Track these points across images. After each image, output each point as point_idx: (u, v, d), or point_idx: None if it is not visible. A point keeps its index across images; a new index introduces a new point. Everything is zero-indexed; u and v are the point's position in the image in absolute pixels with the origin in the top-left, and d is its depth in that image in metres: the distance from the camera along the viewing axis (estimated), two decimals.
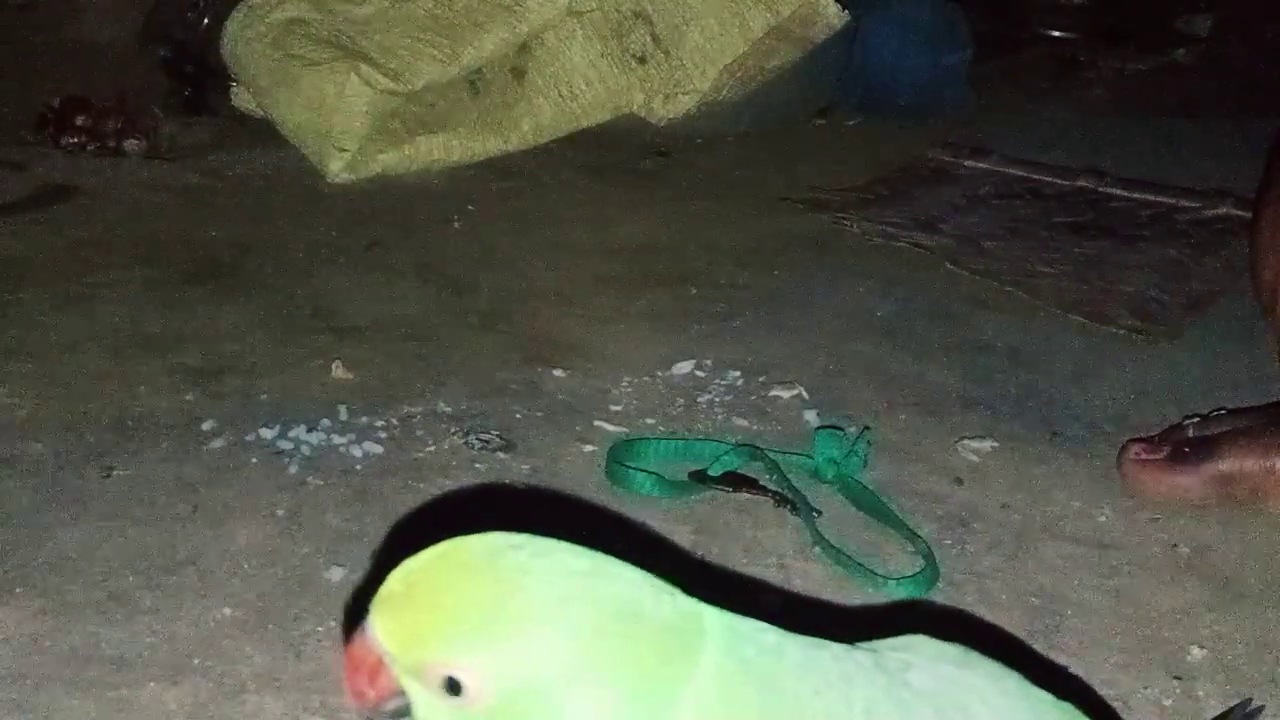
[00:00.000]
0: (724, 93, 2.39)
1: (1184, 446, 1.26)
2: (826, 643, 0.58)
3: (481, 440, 1.32)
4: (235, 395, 1.40)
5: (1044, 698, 0.60)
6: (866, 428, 1.34)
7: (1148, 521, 1.24)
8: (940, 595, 1.11)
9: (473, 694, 0.52)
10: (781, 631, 0.57)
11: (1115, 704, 1.00)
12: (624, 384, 1.45)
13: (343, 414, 1.36)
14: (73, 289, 1.64)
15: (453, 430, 1.34)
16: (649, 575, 0.55)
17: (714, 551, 1.16)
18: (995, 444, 1.36)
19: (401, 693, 0.55)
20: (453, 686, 0.53)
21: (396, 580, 0.55)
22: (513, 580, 0.53)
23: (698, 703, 0.53)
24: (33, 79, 2.31)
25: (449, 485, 1.25)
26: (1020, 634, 1.07)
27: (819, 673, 0.55)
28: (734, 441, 1.31)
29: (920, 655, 0.59)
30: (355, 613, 0.58)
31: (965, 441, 1.36)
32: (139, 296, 1.63)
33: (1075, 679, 1.02)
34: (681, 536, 1.18)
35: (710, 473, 1.25)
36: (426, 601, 0.54)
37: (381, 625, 0.54)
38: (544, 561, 0.54)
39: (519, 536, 0.55)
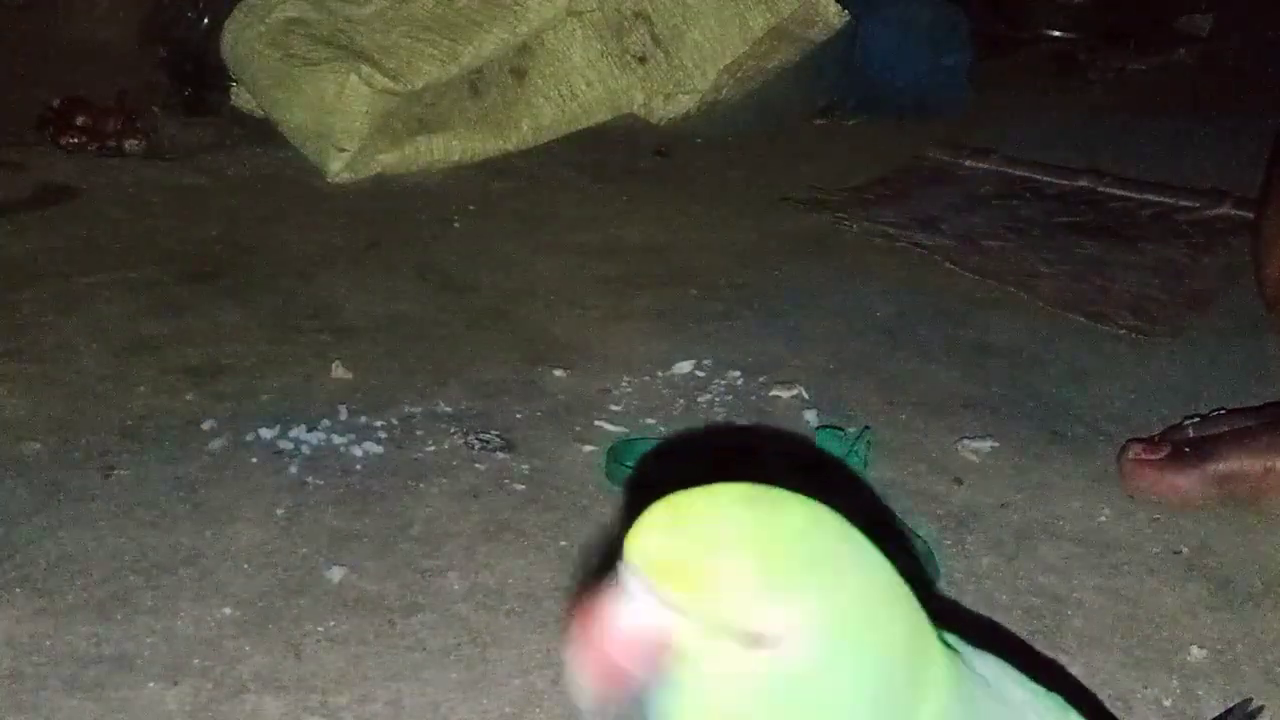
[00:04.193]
0: (724, 93, 2.39)
1: (1184, 446, 1.26)
2: (958, 647, 0.58)
3: (481, 440, 1.32)
4: (235, 395, 1.40)
5: (1038, 689, 0.61)
6: (866, 428, 1.34)
7: (1148, 521, 1.24)
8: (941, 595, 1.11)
9: (781, 645, 0.48)
10: (954, 650, 0.56)
11: (1115, 704, 1.00)
12: (624, 384, 1.45)
13: (343, 414, 1.36)
14: (73, 289, 1.64)
15: (453, 430, 1.34)
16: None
17: None
18: (995, 444, 1.36)
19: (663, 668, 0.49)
20: (758, 639, 0.48)
21: (669, 533, 0.50)
22: (812, 540, 0.51)
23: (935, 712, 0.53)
24: (33, 79, 2.31)
25: (449, 485, 1.25)
26: (1020, 634, 1.07)
27: (983, 703, 0.56)
28: None
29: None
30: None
31: (965, 441, 1.36)
32: (139, 296, 1.63)
33: (1070, 677, 1.02)
34: None
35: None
36: (729, 551, 0.49)
37: (670, 578, 0.49)
38: (851, 535, 0.52)
39: (780, 491, 0.52)
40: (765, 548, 0.49)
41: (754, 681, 0.49)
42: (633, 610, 0.49)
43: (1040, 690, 0.60)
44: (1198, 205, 2.05)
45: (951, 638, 0.59)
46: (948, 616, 0.58)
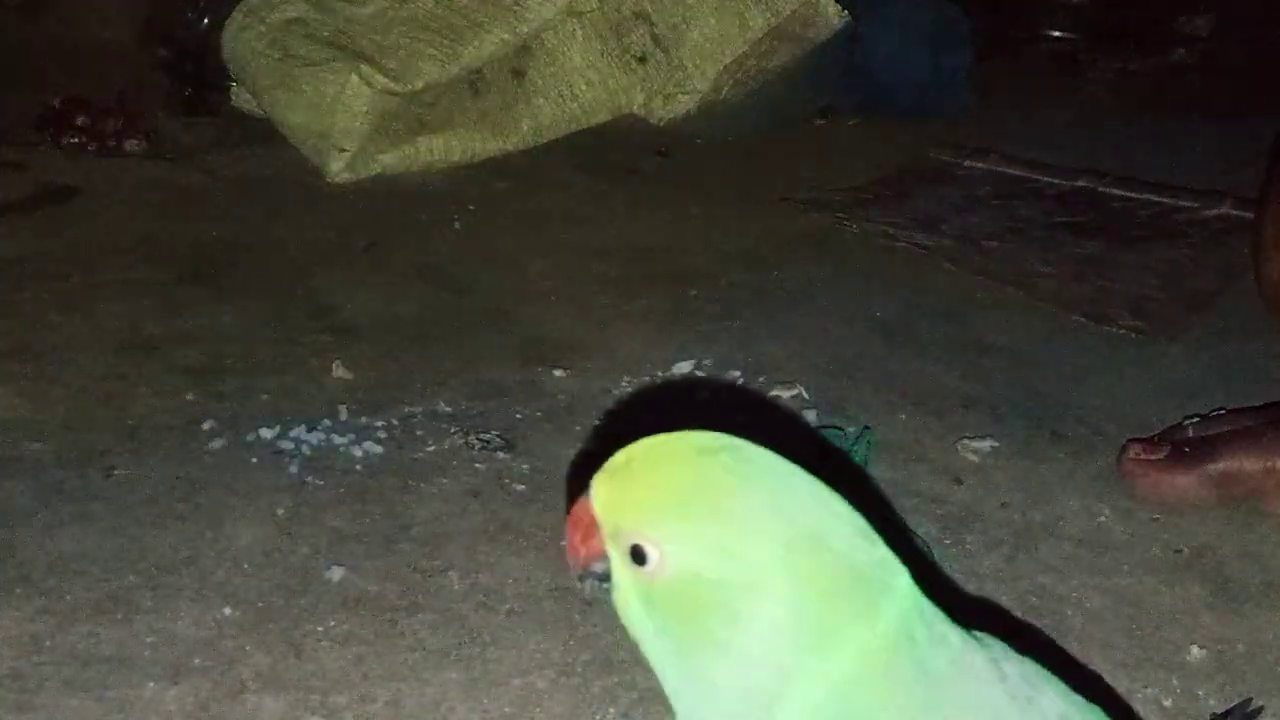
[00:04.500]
0: (724, 93, 2.39)
1: (1184, 446, 1.26)
2: (988, 644, 0.58)
3: (481, 440, 1.32)
4: (235, 395, 1.40)
5: (1079, 701, 0.60)
6: (866, 428, 1.34)
7: (1148, 521, 1.24)
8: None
9: (652, 566, 0.55)
10: (958, 627, 0.57)
11: None
12: (624, 384, 1.45)
13: (343, 414, 1.36)
14: (73, 289, 1.64)
15: (453, 430, 1.34)
16: (858, 516, 0.56)
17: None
18: (995, 444, 1.36)
19: (606, 556, 0.58)
20: (637, 555, 0.56)
21: (620, 456, 0.59)
22: (720, 477, 0.56)
23: (863, 659, 0.54)
24: (33, 79, 2.31)
25: (449, 485, 1.25)
26: (1021, 635, 1.07)
27: (978, 680, 0.56)
28: None
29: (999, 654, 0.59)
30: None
31: (965, 441, 1.36)
32: (139, 296, 1.63)
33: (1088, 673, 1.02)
34: None
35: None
36: (637, 477, 0.57)
37: (597, 492, 0.58)
38: (756, 467, 0.57)
39: (741, 441, 0.57)
40: (679, 482, 0.56)
41: (637, 591, 0.56)
42: (581, 506, 0.59)
43: (1081, 703, 0.60)
44: (1197, 205, 2.05)
45: (985, 636, 0.58)
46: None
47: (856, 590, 0.54)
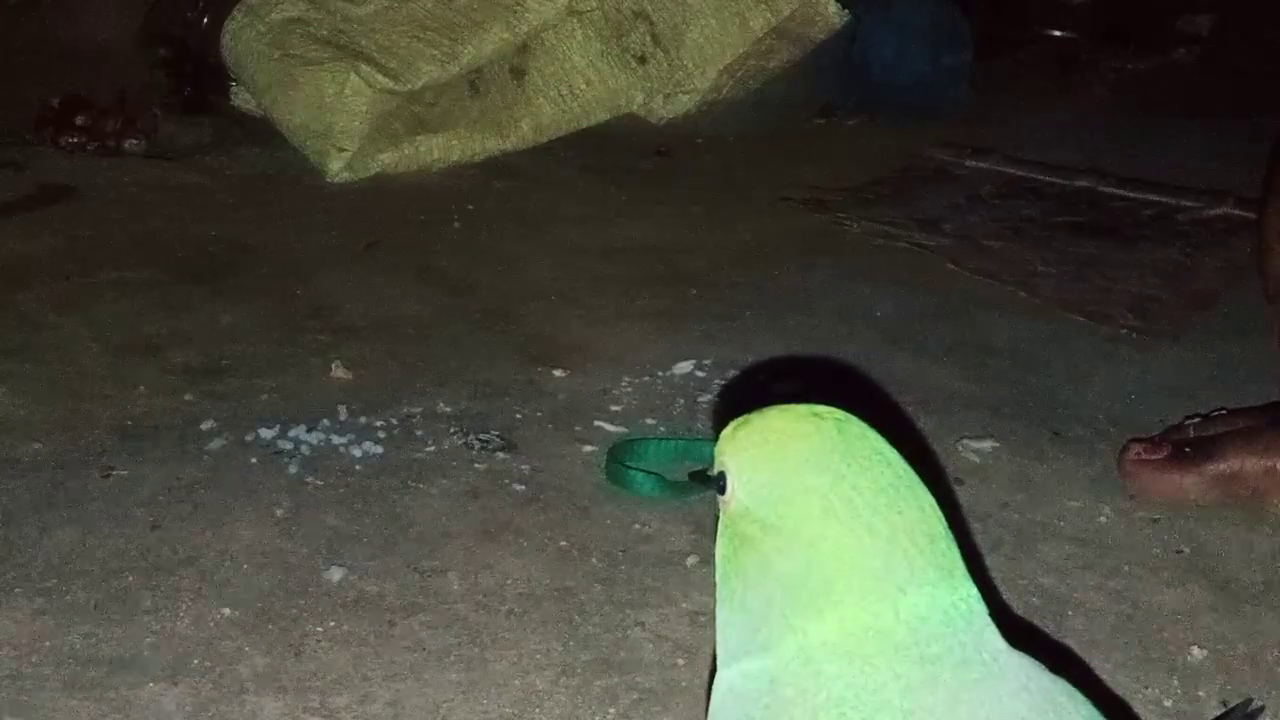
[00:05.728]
0: (724, 92, 2.39)
1: (1184, 446, 1.26)
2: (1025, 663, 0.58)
3: (481, 440, 1.32)
4: (235, 395, 1.40)
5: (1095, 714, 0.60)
6: None
7: (1148, 521, 1.24)
8: None
9: (727, 495, 0.59)
10: (1009, 648, 0.58)
11: None
12: (624, 384, 1.45)
13: (342, 414, 1.36)
14: (73, 289, 1.64)
15: (453, 430, 1.34)
16: (936, 520, 0.57)
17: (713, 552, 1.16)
18: (995, 444, 1.36)
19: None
20: (721, 484, 0.60)
21: (754, 412, 0.62)
22: (810, 436, 0.58)
23: (859, 635, 0.54)
24: (33, 79, 2.31)
25: (449, 485, 1.25)
26: (1021, 634, 1.07)
27: (994, 697, 0.55)
28: None
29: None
30: None
31: (965, 441, 1.36)
32: (139, 296, 1.63)
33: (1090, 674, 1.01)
34: (681, 537, 1.18)
35: (710, 473, 1.25)
36: (751, 422, 0.60)
37: (724, 430, 0.62)
38: (852, 441, 0.58)
39: (860, 421, 0.59)
40: (774, 432, 0.59)
41: (720, 517, 0.60)
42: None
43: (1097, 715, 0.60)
44: (1198, 205, 2.05)
45: (1026, 657, 0.58)
46: None
47: (881, 576, 0.55)
